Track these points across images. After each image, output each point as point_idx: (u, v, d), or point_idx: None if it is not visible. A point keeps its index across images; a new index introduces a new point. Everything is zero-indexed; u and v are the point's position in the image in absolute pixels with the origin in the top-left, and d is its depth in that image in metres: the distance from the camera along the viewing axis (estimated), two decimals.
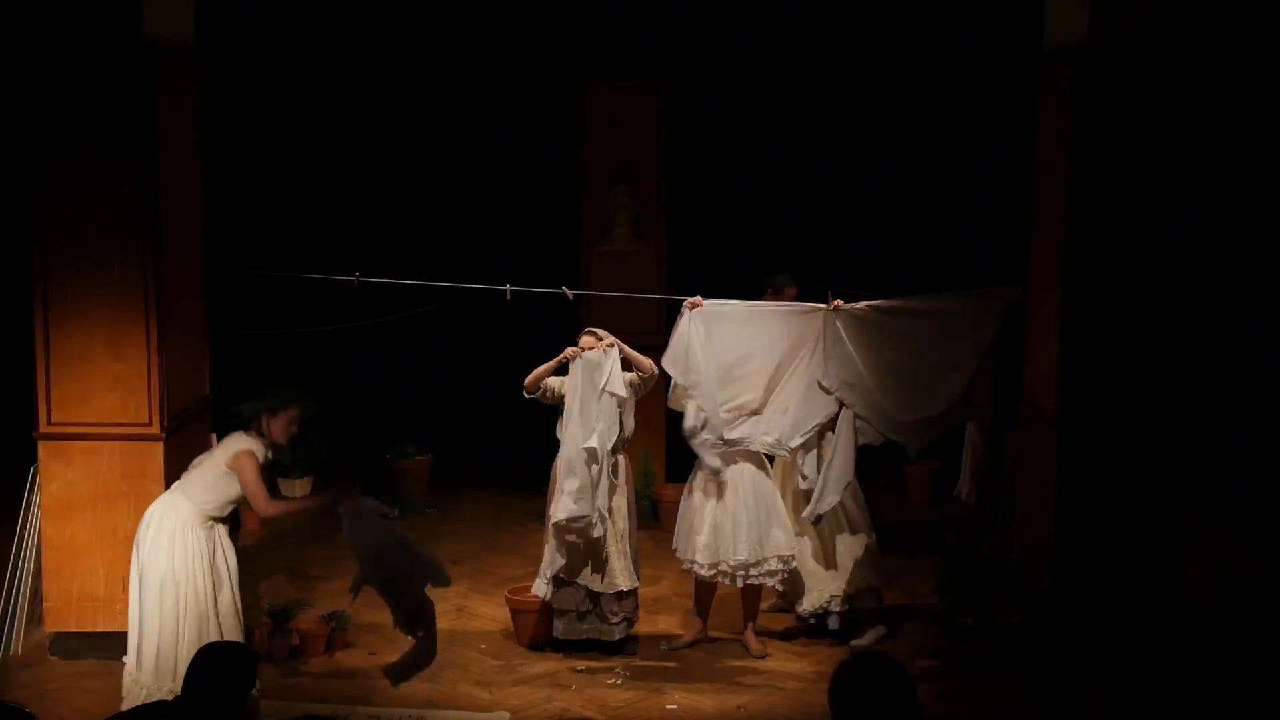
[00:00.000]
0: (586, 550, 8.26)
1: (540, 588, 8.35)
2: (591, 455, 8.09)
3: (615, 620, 8.36)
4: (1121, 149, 7.96)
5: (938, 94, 12.10)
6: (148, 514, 7.32)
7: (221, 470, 7.29)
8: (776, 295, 8.71)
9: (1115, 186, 7.99)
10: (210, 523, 7.29)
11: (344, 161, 12.40)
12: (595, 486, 8.13)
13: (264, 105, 12.06)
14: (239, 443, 7.34)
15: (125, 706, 7.12)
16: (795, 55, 12.08)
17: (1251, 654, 8.23)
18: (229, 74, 10.09)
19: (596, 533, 8.17)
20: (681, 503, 8.51)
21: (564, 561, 8.24)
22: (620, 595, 8.34)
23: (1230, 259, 11.77)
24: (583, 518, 8.09)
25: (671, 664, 8.36)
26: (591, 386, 8.16)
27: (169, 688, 7.03)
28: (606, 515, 8.22)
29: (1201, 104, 8.12)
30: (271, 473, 11.26)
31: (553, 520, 8.20)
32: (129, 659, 7.28)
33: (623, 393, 8.16)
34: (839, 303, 8.24)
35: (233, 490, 7.31)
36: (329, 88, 12.23)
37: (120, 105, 7.93)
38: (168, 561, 7.15)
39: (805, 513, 8.30)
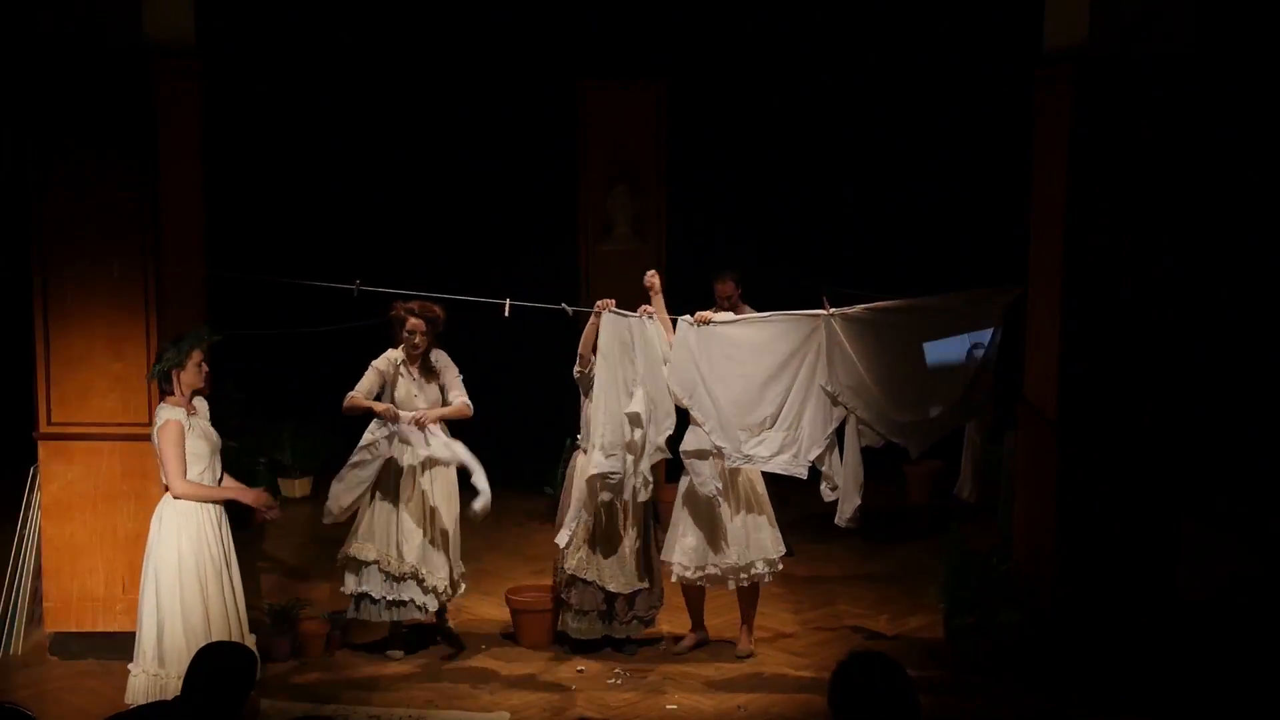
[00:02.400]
0: (606, 550, 8.29)
1: (563, 537, 8.26)
2: (634, 420, 8.05)
3: (626, 620, 8.39)
4: (1121, 149, 7.95)
5: (938, 94, 12.11)
6: (156, 510, 7.30)
7: (158, 441, 7.21)
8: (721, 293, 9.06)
9: (1115, 187, 7.98)
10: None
11: (343, 161, 12.39)
12: (642, 451, 8.09)
13: (264, 105, 12.05)
14: (161, 415, 7.21)
15: (129, 701, 7.15)
16: (795, 55, 12.07)
17: (1251, 654, 8.24)
18: (229, 74, 10.09)
19: (628, 496, 8.14)
20: (675, 508, 8.48)
21: (588, 517, 8.22)
22: (632, 596, 8.35)
23: (1230, 259, 11.78)
24: (615, 474, 8.05)
25: (671, 664, 8.36)
26: (622, 345, 8.08)
27: (175, 673, 7.03)
28: (650, 479, 8.21)
29: (1201, 104, 8.11)
30: (271, 473, 11.29)
31: (588, 474, 8.12)
32: (139, 656, 7.23)
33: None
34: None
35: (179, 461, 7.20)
36: (328, 87, 12.22)
37: (120, 105, 7.94)
38: (174, 549, 7.13)
39: (836, 518, 8.31)
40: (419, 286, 8.49)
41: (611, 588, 8.30)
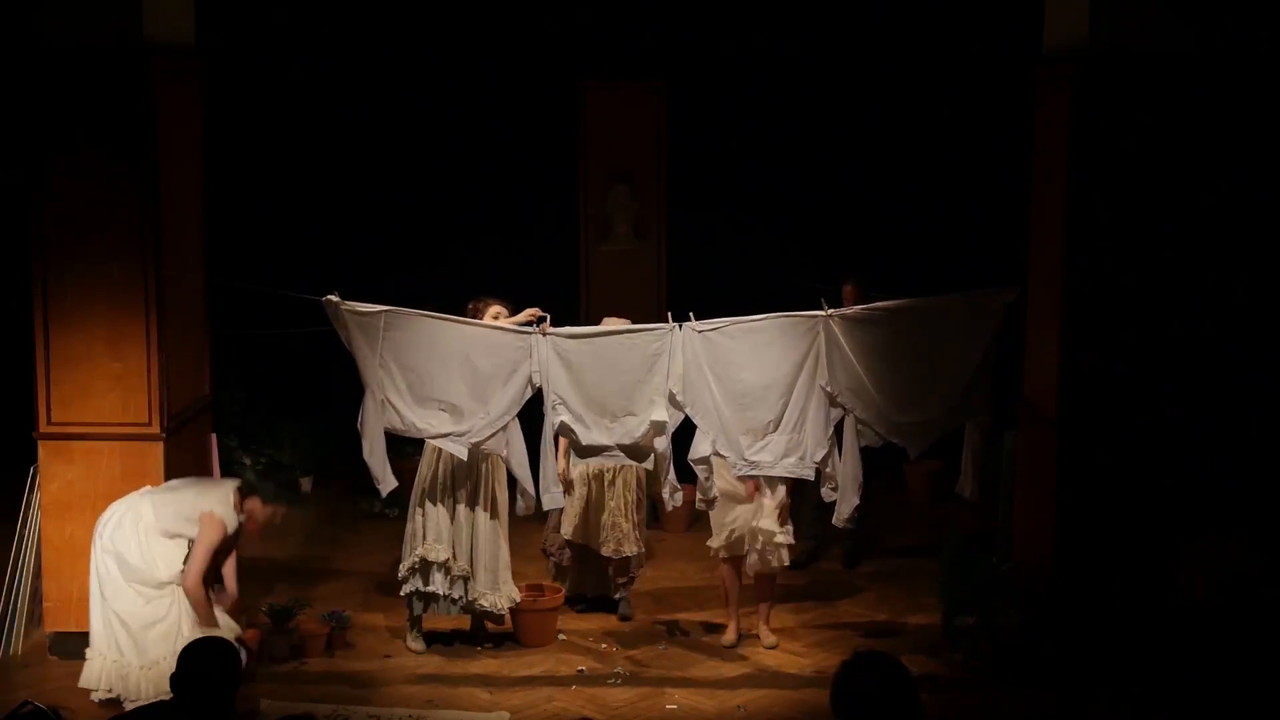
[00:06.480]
0: (599, 518, 8.80)
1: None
2: (659, 428, 8.10)
3: (621, 580, 8.97)
4: (1121, 149, 7.95)
5: (938, 94, 12.11)
6: (109, 511, 7.46)
7: (194, 515, 7.46)
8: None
9: (1115, 186, 7.98)
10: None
11: (343, 161, 12.39)
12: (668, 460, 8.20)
13: (265, 106, 12.05)
14: (220, 505, 7.49)
15: (99, 688, 7.40)
16: (795, 55, 12.08)
17: (1251, 654, 8.24)
18: (229, 74, 10.08)
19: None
20: (715, 507, 8.47)
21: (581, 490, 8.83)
22: (627, 561, 8.89)
23: (1230, 259, 11.78)
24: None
25: (671, 664, 8.37)
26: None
27: (139, 663, 7.30)
28: (679, 485, 8.31)
29: (1201, 103, 8.11)
30: (271, 472, 11.28)
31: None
32: (107, 651, 7.40)
33: None
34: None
35: (192, 534, 7.47)
36: (328, 87, 12.22)
37: (120, 105, 7.93)
38: (137, 552, 7.33)
39: (834, 518, 8.33)
40: (419, 286, 8.49)
41: (604, 552, 8.82)
